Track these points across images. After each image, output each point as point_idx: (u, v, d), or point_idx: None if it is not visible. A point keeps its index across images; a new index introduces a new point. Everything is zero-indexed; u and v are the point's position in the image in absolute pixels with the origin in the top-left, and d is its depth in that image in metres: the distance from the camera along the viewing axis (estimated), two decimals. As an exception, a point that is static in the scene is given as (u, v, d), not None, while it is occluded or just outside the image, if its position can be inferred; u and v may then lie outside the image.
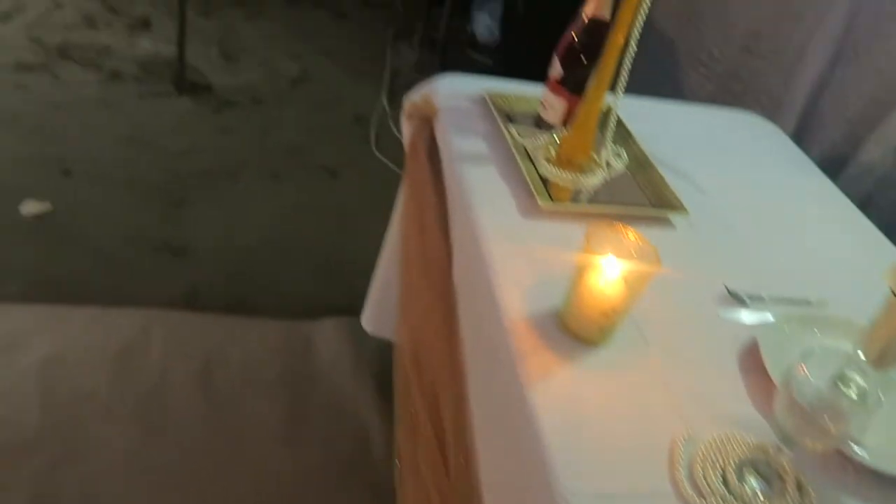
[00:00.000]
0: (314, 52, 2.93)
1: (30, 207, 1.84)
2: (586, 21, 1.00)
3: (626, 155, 1.12)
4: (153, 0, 2.98)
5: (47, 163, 2.02)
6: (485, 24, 3.35)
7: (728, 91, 1.74)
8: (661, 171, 1.10)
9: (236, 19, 3.01)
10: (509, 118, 1.14)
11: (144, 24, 2.79)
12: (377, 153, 2.40)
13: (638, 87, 1.89)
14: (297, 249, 1.95)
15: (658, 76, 1.94)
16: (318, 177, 2.25)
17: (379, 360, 1.63)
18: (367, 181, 2.26)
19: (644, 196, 1.06)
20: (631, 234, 0.76)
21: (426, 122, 1.15)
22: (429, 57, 3.06)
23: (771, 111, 1.54)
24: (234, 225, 1.98)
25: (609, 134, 1.07)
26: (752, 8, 1.66)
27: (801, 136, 1.45)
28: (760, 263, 1.00)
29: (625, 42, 0.94)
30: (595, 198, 1.04)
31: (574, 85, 1.07)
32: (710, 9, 1.80)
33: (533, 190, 0.98)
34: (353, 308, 1.61)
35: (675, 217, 1.03)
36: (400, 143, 2.44)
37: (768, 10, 1.62)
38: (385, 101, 2.69)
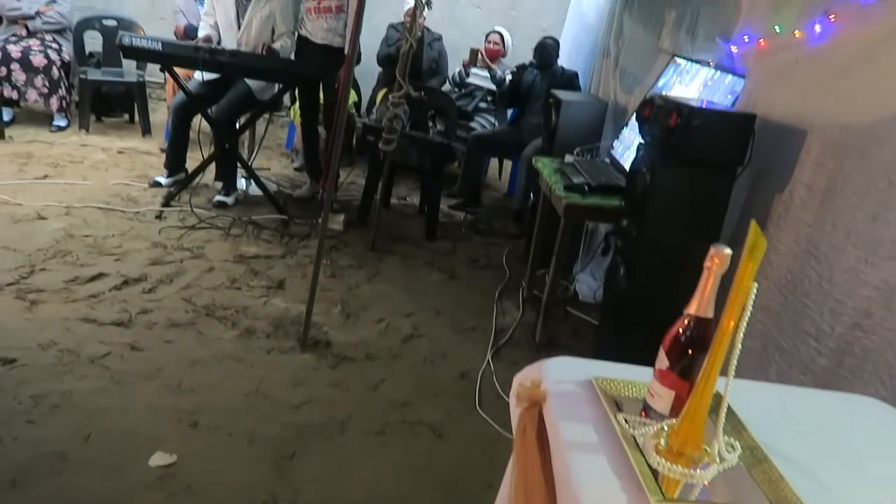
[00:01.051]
0: (426, 309, 3.15)
1: (157, 459, 1.97)
2: (690, 320, 1.06)
3: (739, 446, 1.09)
4: (290, 264, 3.39)
5: (179, 414, 2.18)
6: (587, 285, 3.52)
7: (843, 365, 1.70)
8: (778, 464, 1.06)
9: (359, 281, 3.34)
10: (617, 404, 1.16)
11: (280, 286, 3.14)
12: (480, 412, 2.43)
13: (748, 361, 1.88)
14: (399, 513, 1.92)
15: (767, 349, 1.93)
16: (422, 435, 2.28)
17: None
18: (470, 441, 2.27)
19: (761, 493, 1.01)
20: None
21: (535, 405, 1.19)
22: (533, 314, 3.20)
23: (894, 391, 1.48)
24: (339, 482, 2.00)
25: (720, 424, 1.06)
26: (857, 286, 1.68)
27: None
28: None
29: (734, 328, 0.98)
30: (710, 494, 1.01)
31: (682, 373, 1.10)
32: (814, 284, 1.83)
33: (643, 485, 0.97)
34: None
35: (799, 520, 0.97)
36: (503, 402, 2.49)
37: (875, 290, 1.63)
38: (490, 359, 2.79)
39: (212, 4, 4.07)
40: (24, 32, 5.11)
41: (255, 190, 4.19)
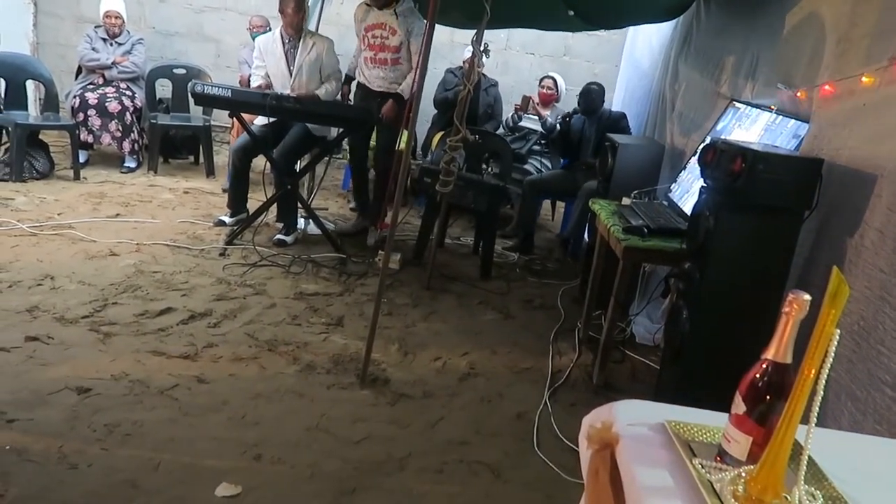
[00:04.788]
0: (481, 349, 3.17)
1: (223, 490, 2.02)
2: (768, 365, 1.06)
3: (821, 496, 1.07)
4: (348, 302, 3.47)
5: (243, 447, 2.24)
6: (644, 327, 3.48)
7: (923, 416, 1.64)
8: (863, 516, 1.03)
9: (415, 319, 3.38)
10: (691, 449, 1.16)
11: (338, 323, 3.21)
12: (539, 453, 2.42)
13: (827, 410, 1.84)
14: (459, 554, 1.92)
15: (839, 397, 1.88)
16: (480, 474, 2.27)
17: None
18: (529, 483, 2.25)
19: (847, 545, 0.99)
20: None
21: (606, 448, 1.19)
22: (589, 356, 3.18)
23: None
24: (400, 521, 2.01)
25: (801, 472, 1.05)
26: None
27: None
28: None
29: (816, 375, 0.97)
30: (792, 545, 0.99)
31: (759, 419, 1.09)
32: (888, 331, 1.79)
33: (724, 531, 0.96)
34: None
35: (888, 576, 0.94)
36: (562, 444, 2.47)
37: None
38: (547, 399, 2.78)
39: (262, 58, 4.27)
40: (100, 81, 5.44)
41: (313, 229, 4.31)
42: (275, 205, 4.27)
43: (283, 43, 4.22)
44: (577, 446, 1.33)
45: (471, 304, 3.68)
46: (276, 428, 2.37)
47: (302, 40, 4.20)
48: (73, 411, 2.30)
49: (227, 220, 4.36)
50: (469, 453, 2.37)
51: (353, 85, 4.56)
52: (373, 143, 4.60)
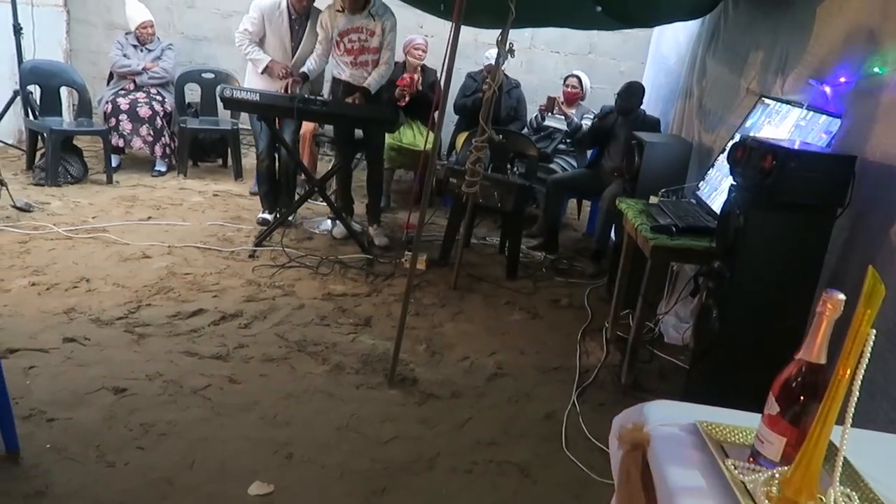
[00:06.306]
0: (509, 349, 3.17)
1: (256, 489, 2.05)
2: (802, 366, 1.05)
3: (857, 498, 1.06)
4: (375, 302, 3.49)
5: (275, 446, 2.27)
6: (672, 326, 3.45)
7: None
8: (901, 519, 1.02)
9: (442, 319, 3.40)
10: (724, 449, 1.15)
11: (366, 323, 3.24)
12: (567, 453, 2.41)
13: (861, 410, 1.81)
14: (489, 553, 1.92)
15: (874, 398, 1.85)
16: (509, 474, 2.28)
17: None
18: (558, 483, 2.25)
19: (885, 548, 0.98)
20: None
21: (638, 448, 1.19)
22: (617, 356, 3.17)
23: None
24: (430, 520, 2.03)
25: (837, 474, 1.04)
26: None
27: None
28: None
29: (851, 376, 0.96)
30: (829, 546, 0.98)
31: (793, 419, 1.08)
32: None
33: (758, 533, 0.96)
34: None
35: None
36: (591, 444, 2.46)
37: None
38: (575, 400, 2.77)
39: (261, 24, 4.20)
40: (131, 86, 5.55)
41: (340, 231, 4.36)
42: (284, 198, 4.42)
43: (291, 17, 4.23)
44: (606, 446, 1.33)
45: (498, 304, 3.69)
46: (306, 428, 2.40)
47: (310, 20, 4.24)
48: (110, 411, 2.36)
49: (269, 217, 4.44)
50: (498, 453, 2.38)
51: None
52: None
